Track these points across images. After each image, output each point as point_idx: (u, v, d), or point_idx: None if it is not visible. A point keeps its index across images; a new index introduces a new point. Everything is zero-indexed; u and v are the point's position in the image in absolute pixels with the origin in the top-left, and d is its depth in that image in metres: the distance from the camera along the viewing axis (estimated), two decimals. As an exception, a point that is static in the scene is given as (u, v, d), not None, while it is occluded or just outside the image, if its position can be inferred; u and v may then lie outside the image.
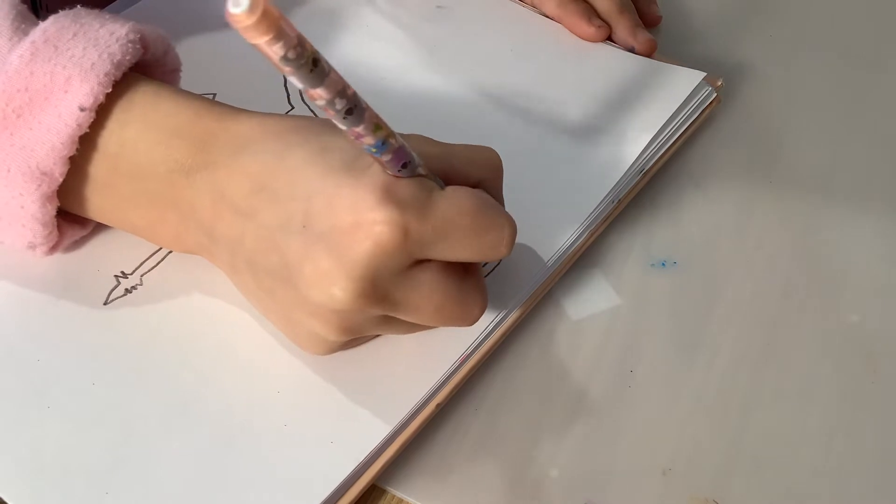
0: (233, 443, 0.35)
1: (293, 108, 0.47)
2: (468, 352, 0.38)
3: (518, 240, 0.40)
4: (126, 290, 0.40)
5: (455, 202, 0.33)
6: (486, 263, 0.40)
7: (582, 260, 0.43)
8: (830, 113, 0.50)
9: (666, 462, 0.37)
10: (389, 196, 0.31)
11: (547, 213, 0.42)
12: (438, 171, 0.34)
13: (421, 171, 0.33)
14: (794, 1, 0.56)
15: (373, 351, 0.37)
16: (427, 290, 0.33)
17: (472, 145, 0.36)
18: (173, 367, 0.37)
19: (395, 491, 0.36)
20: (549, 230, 0.41)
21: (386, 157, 0.31)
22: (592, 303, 0.42)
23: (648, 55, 0.49)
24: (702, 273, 0.43)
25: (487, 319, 0.38)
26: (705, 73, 0.47)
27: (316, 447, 0.35)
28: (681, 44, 0.53)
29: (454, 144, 0.35)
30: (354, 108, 0.28)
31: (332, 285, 0.32)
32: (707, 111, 0.48)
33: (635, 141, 0.44)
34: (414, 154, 0.32)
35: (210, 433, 0.35)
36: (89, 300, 0.39)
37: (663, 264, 0.43)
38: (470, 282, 0.35)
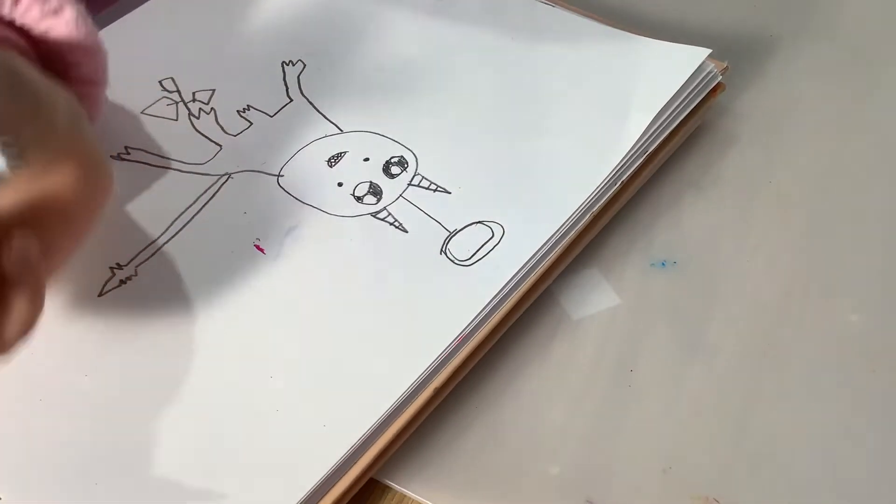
0: (224, 429, 0.35)
1: (291, 100, 0.46)
2: (466, 332, 0.37)
3: (521, 218, 0.41)
4: (121, 281, 0.39)
5: None
6: (482, 245, 0.40)
7: (581, 260, 0.43)
8: (831, 114, 0.49)
9: (666, 461, 0.36)
10: None
11: (548, 193, 0.42)
12: None
13: None
14: (794, 0, 0.56)
15: (366, 336, 0.37)
16: None
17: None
18: (167, 357, 0.37)
19: (398, 486, 0.36)
20: (550, 210, 0.41)
21: None
22: (592, 303, 0.41)
23: None
24: (702, 273, 0.42)
25: (484, 297, 0.38)
26: (710, 50, 0.45)
27: (309, 432, 0.35)
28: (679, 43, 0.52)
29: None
30: None
31: None
32: (713, 98, 0.47)
33: (639, 119, 0.43)
34: None
35: (202, 420, 0.35)
36: (84, 291, 0.39)
37: (663, 264, 0.43)
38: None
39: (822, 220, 0.44)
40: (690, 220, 0.45)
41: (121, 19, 0.50)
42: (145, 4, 0.51)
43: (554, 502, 0.36)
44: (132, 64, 0.47)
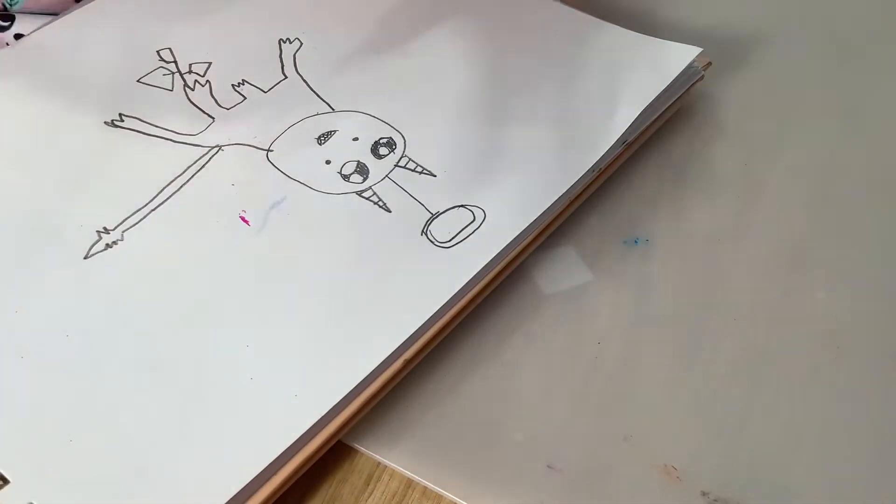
0: (199, 395, 0.35)
1: (286, 77, 0.47)
2: (437, 310, 0.38)
3: (503, 204, 0.41)
4: (107, 245, 0.40)
5: None
6: (463, 228, 0.40)
7: (557, 237, 0.43)
8: (806, 102, 0.50)
9: (627, 429, 0.37)
10: None
11: (532, 181, 0.42)
12: None
13: None
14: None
15: (342, 311, 0.38)
16: None
17: None
18: (147, 321, 0.37)
19: (369, 452, 0.37)
20: (532, 198, 0.41)
21: None
22: (565, 278, 0.42)
23: None
24: (672, 251, 0.43)
25: (461, 279, 0.38)
26: (701, 49, 0.46)
27: (280, 400, 0.35)
28: (664, 31, 0.52)
29: None
30: None
31: None
32: (690, 89, 0.47)
33: (626, 113, 0.44)
34: None
35: (177, 385, 0.35)
36: (70, 253, 0.40)
37: (636, 242, 0.43)
38: None
39: (793, 202, 0.45)
40: (664, 199, 0.45)
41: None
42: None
43: (515, 467, 0.36)
44: (132, 32, 0.48)
